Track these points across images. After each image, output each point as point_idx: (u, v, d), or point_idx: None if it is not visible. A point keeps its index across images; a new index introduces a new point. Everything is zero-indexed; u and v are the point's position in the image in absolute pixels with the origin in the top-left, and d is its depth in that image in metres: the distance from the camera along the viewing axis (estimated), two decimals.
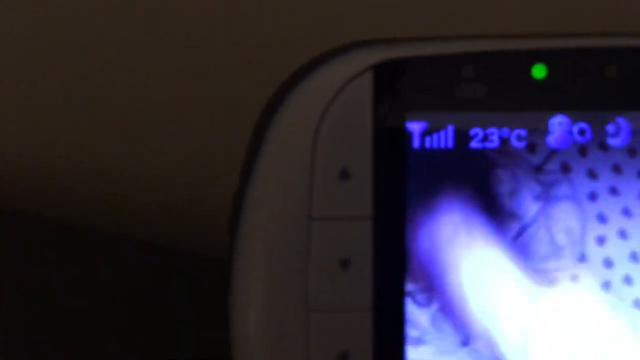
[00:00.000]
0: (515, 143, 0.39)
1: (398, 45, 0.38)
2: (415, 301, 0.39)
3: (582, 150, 0.39)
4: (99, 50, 0.38)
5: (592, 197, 0.39)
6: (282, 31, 0.38)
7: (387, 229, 0.38)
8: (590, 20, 0.38)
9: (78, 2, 0.38)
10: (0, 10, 0.39)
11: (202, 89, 0.38)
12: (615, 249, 0.39)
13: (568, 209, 0.39)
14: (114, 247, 0.43)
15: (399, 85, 0.38)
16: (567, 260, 0.39)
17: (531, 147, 0.39)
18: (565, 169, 0.39)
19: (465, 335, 0.39)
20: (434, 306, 0.39)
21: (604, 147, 0.39)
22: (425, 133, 0.39)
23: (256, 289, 0.38)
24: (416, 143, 0.38)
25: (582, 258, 0.39)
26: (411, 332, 0.39)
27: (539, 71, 0.38)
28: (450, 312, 0.39)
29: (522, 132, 0.39)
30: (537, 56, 0.38)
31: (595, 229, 0.39)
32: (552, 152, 0.39)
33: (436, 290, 0.39)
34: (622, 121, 0.39)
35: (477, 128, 0.39)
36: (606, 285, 0.39)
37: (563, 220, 0.39)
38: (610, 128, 0.39)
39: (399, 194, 0.38)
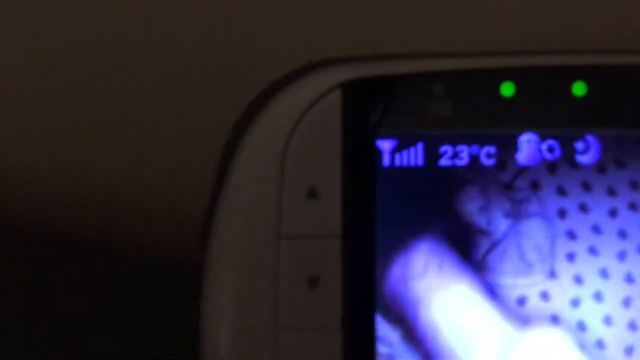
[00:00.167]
0: (485, 160, 0.39)
1: (367, 63, 0.38)
2: (385, 319, 0.39)
3: (552, 168, 0.39)
4: (99, 50, 0.38)
5: (562, 214, 0.39)
6: (282, 31, 0.38)
7: (357, 247, 0.38)
8: (558, 37, 0.38)
9: (78, 2, 0.38)
10: (0, 11, 0.39)
11: (201, 89, 0.38)
12: (585, 265, 0.39)
13: (538, 226, 0.39)
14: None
15: (368, 103, 0.38)
16: (537, 276, 0.39)
17: (501, 165, 0.39)
18: (535, 186, 0.39)
19: (431, 351, 0.39)
20: (404, 324, 0.39)
21: (573, 164, 0.39)
22: (395, 151, 0.39)
23: (226, 308, 0.38)
24: (386, 161, 0.39)
25: (552, 274, 0.39)
26: (381, 349, 0.39)
27: (507, 89, 0.39)
28: (418, 332, 0.39)
29: (492, 150, 0.39)
30: (506, 74, 0.39)
31: (565, 246, 0.39)
32: (522, 169, 0.39)
33: (406, 313, 0.39)
34: (591, 138, 0.39)
35: (447, 145, 0.39)
36: (575, 303, 0.39)
37: (533, 237, 0.39)
38: (579, 145, 0.39)
39: (369, 212, 0.38)
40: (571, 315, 0.39)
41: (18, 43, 0.39)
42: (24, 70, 0.39)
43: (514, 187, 0.39)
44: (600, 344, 0.39)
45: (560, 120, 0.39)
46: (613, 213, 0.39)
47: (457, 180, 0.39)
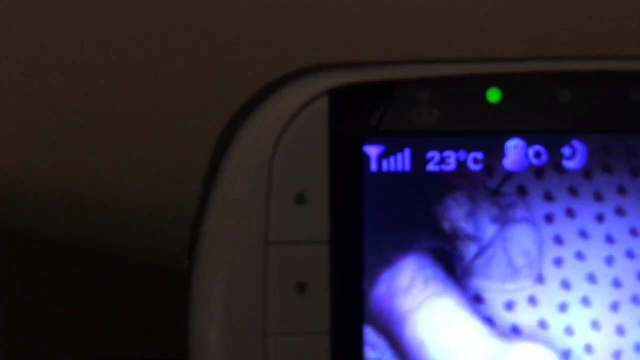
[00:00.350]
0: (472, 166, 0.39)
1: (355, 70, 0.38)
2: (373, 325, 0.39)
3: (539, 173, 0.39)
4: (98, 50, 0.38)
5: (549, 219, 0.39)
6: (270, 39, 0.38)
7: (345, 253, 0.38)
8: (544, 44, 0.38)
9: (78, 2, 0.39)
10: (0, 11, 0.39)
11: (190, 96, 0.38)
12: (573, 270, 0.39)
13: (525, 231, 0.39)
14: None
15: (355, 110, 0.39)
16: (525, 281, 0.39)
17: (488, 170, 0.39)
18: (522, 191, 0.39)
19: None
20: (393, 330, 0.39)
21: (560, 169, 0.39)
22: (383, 156, 0.39)
23: (214, 313, 0.38)
24: (373, 166, 0.39)
25: (539, 280, 0.39)
26: (369, 354, 0.39)
27: (494, 95, 0.39)
28: (405, 338, 0.39)
29: (479, 156, 0.39)
30: (492, 80, 0.39)
31: (553, 251, 0.39)
32: (509, 175, 0.39)
33: (393, 321, 0.39)
34: (577, 144, 0.39)
35: (434, 151, 0.39)
36: (563, 308, 0.39)
37: (520, 242, 0.39)
38: (566, 151, 0.39)
39: (357, 217, 0.39)
40: (559, 320, 0.39)
41: (18, 43, 0.39)
42: (24, 70, 0.39)
43: (501, 192, 0.39)
44: (588, 349, 0.39)
45: (547, 126, 0.39)
46: (600, 218, 0.39)
47: (444, 185, 0.39)
